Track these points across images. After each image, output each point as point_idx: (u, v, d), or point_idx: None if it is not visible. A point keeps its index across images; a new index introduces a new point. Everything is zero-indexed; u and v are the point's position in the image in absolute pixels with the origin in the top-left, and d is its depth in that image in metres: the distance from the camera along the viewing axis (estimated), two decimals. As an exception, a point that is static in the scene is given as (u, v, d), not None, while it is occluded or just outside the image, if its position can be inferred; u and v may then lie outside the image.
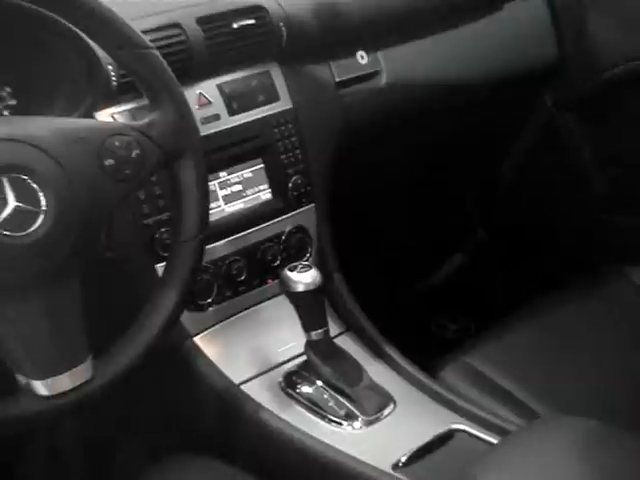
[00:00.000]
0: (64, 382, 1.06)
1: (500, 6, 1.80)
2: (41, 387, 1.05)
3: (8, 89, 1.30)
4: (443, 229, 2.09)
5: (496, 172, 2.03)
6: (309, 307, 1.37)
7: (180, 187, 1.17)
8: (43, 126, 1.07)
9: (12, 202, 1.00)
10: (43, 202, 1.02)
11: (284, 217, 1.50)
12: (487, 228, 2.12)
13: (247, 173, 1.47)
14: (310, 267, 1.36)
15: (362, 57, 1.60)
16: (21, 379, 1.06)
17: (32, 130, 1.05)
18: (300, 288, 1.34)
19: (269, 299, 1.49)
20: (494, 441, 1.29)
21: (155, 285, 1.19)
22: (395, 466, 1.25)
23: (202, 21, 1.38)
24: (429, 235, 2.04)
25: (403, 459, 1.26)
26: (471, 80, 1.75)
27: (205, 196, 1.19)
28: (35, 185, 1.02)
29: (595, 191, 1.96)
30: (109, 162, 1.08)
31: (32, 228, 1.01)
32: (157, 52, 1.15)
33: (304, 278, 1.34)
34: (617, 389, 1.51)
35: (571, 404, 1.35)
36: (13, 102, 1.30)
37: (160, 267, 1.34)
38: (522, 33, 1.84)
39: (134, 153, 1.10)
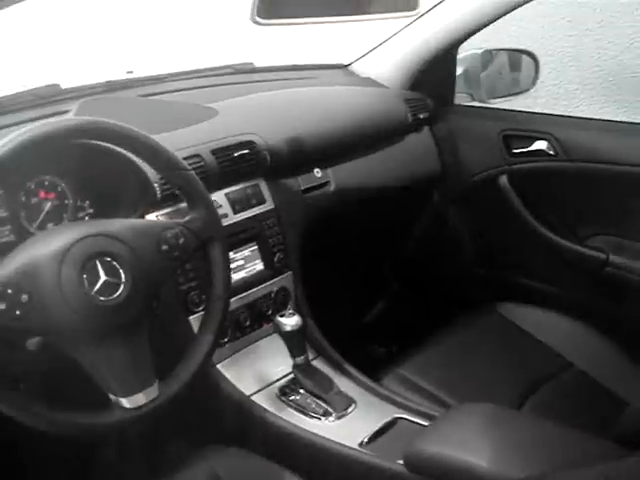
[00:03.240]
0: (140, 398, 1.04)
1: (403, 138, 1.82)
2: (126, 402, 1.03)
3: (88, 202, 1.28)
4: (370, 284, 2.09)
5: (404, 245, 2.04)
6: (294, 341, 1.36)
7: (211, 262, 1.16)
8: (119, 225, 1.06)
9: (102, 277, 1.00)
10: (123, 276, 1.01)
11: (272, 281, 1.48)
12: (399, 282, 2.12)
13: (247, 252, 1.45)
14: (294, 314, 1.35)
15: (317, 172, 1.60)
16: (112, 397, 1.03)
17: (113, 228, 1.05)
18: (288, 328, 1.33)
19: (265, 337, 1.47)
20: (424, 423, 1.28)
21: (198, 330, 1.17)
22: (360, 444, 1.25)
23: (214, 152, 1.38)
24: (362, 289, 2.04)
25: (365, 439, 1.26)
26: (387, 185, 1.77)
27: (228, 268, 1.18)
28: (117, 264, 1.01)
29: (468, 254, 1.98)
30: (164, 247, 1.08)
31: (116, 294, 1.00)
32: (193, 172, 1.15)
33: (290, 322, 1.33)
34: (502, 385, 1.51)
35: (472, 397, 1.34)
36: (91, 211, 1.29)
37: (192, 318, 1.33)
38: (417, 154, 1.86)
39: (180, 241, 1.10)
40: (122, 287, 1.01)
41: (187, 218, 1.13)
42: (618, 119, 1.84)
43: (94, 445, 1.50)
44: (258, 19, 1.03)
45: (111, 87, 1.57)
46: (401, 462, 1.16)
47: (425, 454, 1.13)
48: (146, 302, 1.05)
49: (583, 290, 1.78)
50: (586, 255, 1.73)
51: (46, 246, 0.99)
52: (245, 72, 1.81)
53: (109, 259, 1.01)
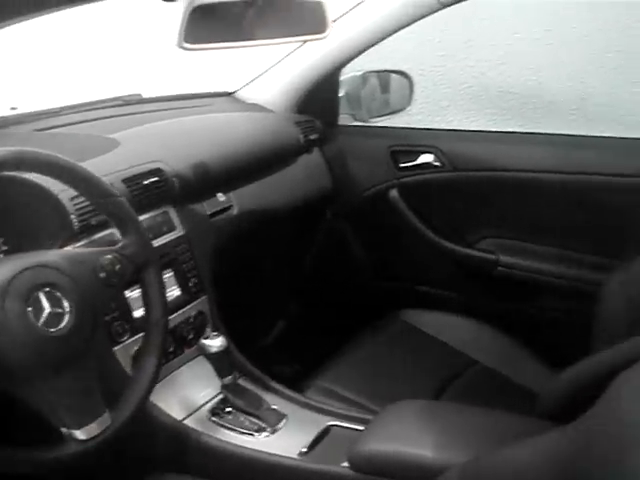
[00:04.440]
0: (94, 429, 1.04)
1: (296, 159, 1.89)
2: (80, 434, 1.03)
3: (2, 239, 1.26)
4: (271, 304, 2.12)
5: (301, 263, 2.10)
6: (221, 361, 1.39)
7: (147, 286, 1.18)
8: (55, 255, 1.07)
9: (47, 308, 1.00)
10: (66, 306, 1.02)
11: (190, 306, 1.50)
12: (298, 301, 2.17)
13: (164, 279, 1.46)
14: (218, 335, 1.38)
15: (221, 197, 1.63)
16: (64, 430, 1.02)
17: (49, 258, 1.05)
18: (214, 350, 1.36)
19: (188, 362, 1.48)
20: (358, 427, 1.34)
21: (140, 355, 1.18)
22: (300, 454, 1.29)
23: (125, 181, 1.38)
24: (264, 309, 2.07)
25: (304, 449, 1.31)
26: (284, 206, 1.82)
27: (164, 290, 1.20)
28: (59, 294, 1.01)
29: (365, 267, 2.07)
30: (102, 274, 1.09)
31: (62, 324, 1.01)
32: (124, 199, 1.16)
33: (216, 343, 1.37)
34: (416, 386, 1.60)
35: (392, 400, 1.40)
36: (5, 247, 1.26)
37: (117, 349, 1.33)
38: (310, 174, 1.93)
39: (117, 267, 1.11)
40: (67, 317, 1.01)
41: (120, 244, 1.14)
42: (490, 130, 2.01)
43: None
44: (186, 45, 1.07)
45: (4, 123, 1.54)
46: (346, 464, 1.22)
47: (369, 453, 1.19)
48: (91, 330, 1.05)
49: (478, 291, 1.91)
50: (478, 258, 1.87)
51: None
52: (134, 103, 1.82)
53: (51, 290, 1.01)
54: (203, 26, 1.08)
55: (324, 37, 1.23)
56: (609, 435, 0.69)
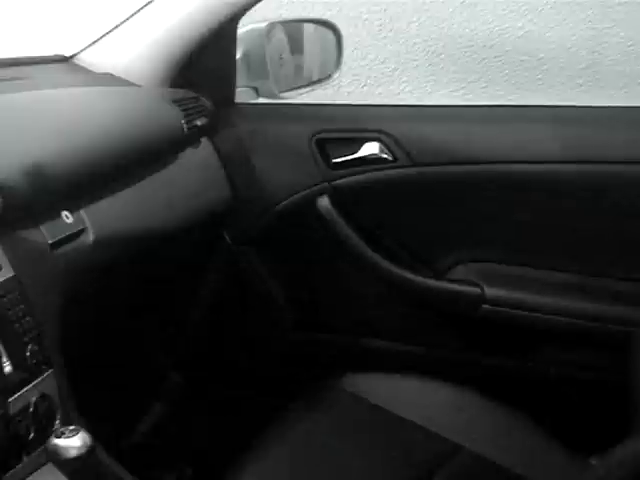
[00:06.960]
0: None
1: (175, 156, 1.84)
2: None
3: None
4: (146, 377, 2.08)
5: (188, 315, 2.06)
6: (83, 471, 1.32)
7: None
8: None
9: None
10: None
11: (28, 388, 1.43)
12: (180, 371, 2.13)
13: (-11, 346, 1.40)
14: (77, 430, 1.31)
15: (67, 217, 1.57)
16: None
17: None
18: (74, 453, 1.30)
19: (29, 476, 1.41)
20: None
21: None
22: None
23: None
24: (134, 385, 2.03)
25: None
26: (162, 226, 1.78)
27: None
28: None
29: (284, 314, 2.05)
30: None
31: None
32: None
33: (74, 443, 1.30)
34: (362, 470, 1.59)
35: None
36: None
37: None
38: (199, 179, 1.90)
39: None
40: None
41: None
42: (461, 104, 2.01)
43: None
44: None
45: None
46: None
47: None
48: None
49: (454, 342, 1.91)
50: (452, 292, 1.87)
51: None
52: None
53: None
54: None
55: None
56: None
